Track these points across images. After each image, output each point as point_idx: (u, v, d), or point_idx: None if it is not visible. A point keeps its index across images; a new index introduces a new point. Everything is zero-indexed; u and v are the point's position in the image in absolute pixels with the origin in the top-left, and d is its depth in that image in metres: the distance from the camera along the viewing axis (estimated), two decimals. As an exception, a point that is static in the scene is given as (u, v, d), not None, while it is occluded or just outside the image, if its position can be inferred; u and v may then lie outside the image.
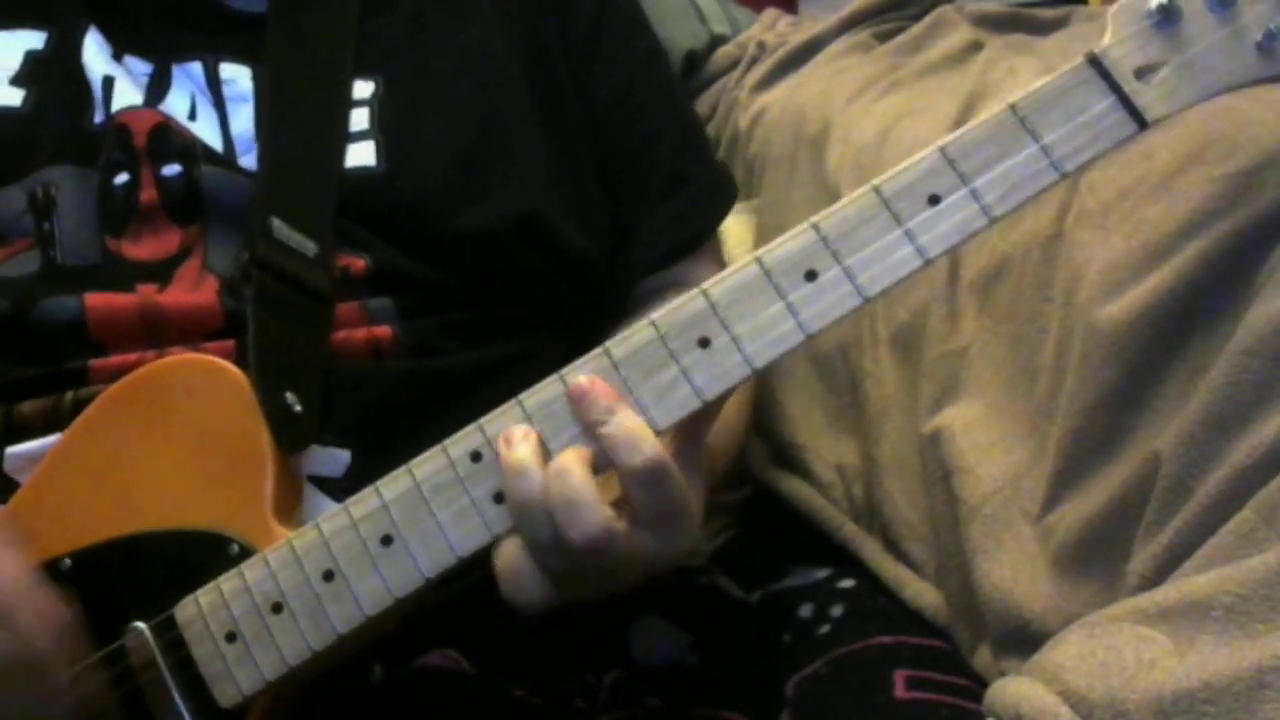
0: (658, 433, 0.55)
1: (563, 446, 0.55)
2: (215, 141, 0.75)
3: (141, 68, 0.77)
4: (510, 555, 0.56)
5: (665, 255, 0.83)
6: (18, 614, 0.59)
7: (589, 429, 0.55)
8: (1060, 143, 0.54)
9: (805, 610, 0.80)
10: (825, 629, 0.78)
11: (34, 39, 0.77)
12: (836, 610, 0.79)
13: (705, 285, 0.55)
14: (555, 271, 0.78)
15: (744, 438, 0.89)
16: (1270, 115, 0.65)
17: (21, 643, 0.59)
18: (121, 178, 0.73)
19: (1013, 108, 0.54)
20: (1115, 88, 0.54)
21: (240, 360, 0.67)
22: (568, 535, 0.53)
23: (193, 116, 0.75)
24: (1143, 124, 0.54)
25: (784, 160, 1.06)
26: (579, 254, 0.79)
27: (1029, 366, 0.74)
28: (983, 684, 0.67)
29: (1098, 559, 0.66)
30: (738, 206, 0.97)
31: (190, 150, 0.73)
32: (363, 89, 0.77)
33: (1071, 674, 0.55)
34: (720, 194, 0.88)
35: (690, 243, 0.85)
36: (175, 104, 0.75)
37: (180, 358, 0.67)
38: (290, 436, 0.64)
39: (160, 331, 0.70)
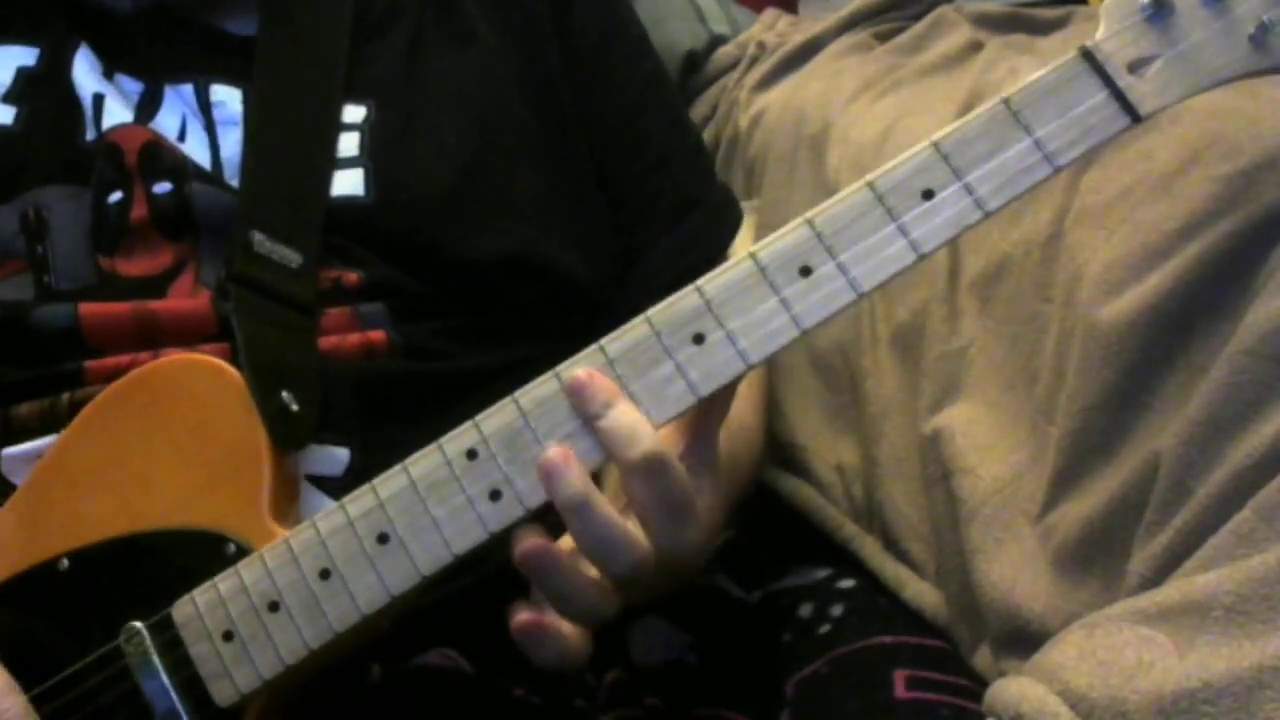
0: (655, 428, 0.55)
1: (560, 441, 0.55)
2: (204, 163, 0.74)
3: (133, 86, 0.76)
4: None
5: (678, 279, 0.83)
6: None
7: (586, 422, 0.55)
8: (1053, 136, 0.54)
9: (805, 610, 0.80)
10: (825, 629, 0.77)
11: (26, 55, 0.77)
12: (836, 610, 0.79)
13: (699, 281, 0.56)
14: (553, 300, 0.78)
15: (764, 448, 0.89)
16: (1270, 115, 0.65)
17: None
18: (115, 196, 0.73)
19: (1006, 102, 0.54)
20: (1108, 81, 0.54)
21: (235, 361, 0.66)
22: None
23: (182, 137, 0.75)
24: (1136, 118, 0.54)
25: (784, 160, 1.06)
26: (578, 284, 0.79)
27: (1029, 366, 0.74)
28: (983, 684, 0.67)
29: (1098, 559, 0.65)
30: (737, 205, 0.96)
31: (181, 168, 0.73)
32: (353, 114, 0.76)
33: (1071, 674, 0.55)
34: (728, 216, 0.88)
35: (702, 265, 0.84)
36: (165, 123, 0.75)
37: (177, 358, 0.67)
38: (288, 435, 0.64)
39: (154, 336, 0.70)
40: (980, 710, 0.60)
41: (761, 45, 1.26)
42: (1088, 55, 0.54)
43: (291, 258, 0.70)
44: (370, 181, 0.74)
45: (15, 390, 0.70)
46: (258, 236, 0.69)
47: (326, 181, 0.73)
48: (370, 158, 0.75)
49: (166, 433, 0.64)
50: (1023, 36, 1.06)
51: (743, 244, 0.99)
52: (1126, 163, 0.71)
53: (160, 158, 0.73)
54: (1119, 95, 0.54)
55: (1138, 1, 0.54)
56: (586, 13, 0.83)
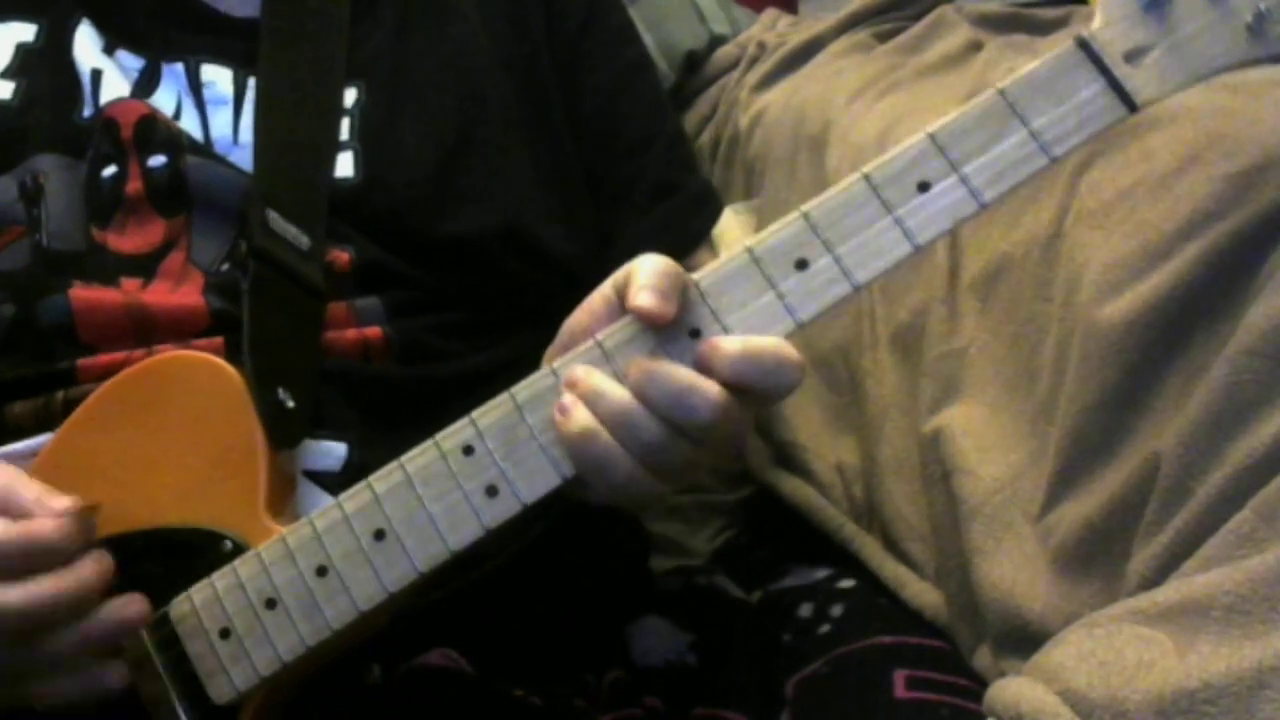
0: None
1: (552, 439, 0.55)
2: (197, 140, 0.75)
3: (133, 63, 0.77)
4: (602, 454, 0.55)
5: None
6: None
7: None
8: (1049, 127, 0.54)
9: (805, 610, 0.80)
10: (825, 629, 0.77)
11: (25, 31, 0.77)
12: (836, 610, 0.79)
13: (696, 275, 0.55)
14: (542, 277, 0.78)
15: None
16: (1270, 115, 0.64)
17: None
18: (109, 170, 0.74)
19: (1001, 92, 0.54)
20: (1105, 71, 0.54)
21: (229, 357, 0.66)
22: (694, 418, 0.53)
23: (178, 115, 0.75)
24: (1132, 107, 0.54)
25: (784, 160, 1.06)
26: (565, 260, 0.79)
27: (1029, 366, 0.74)
28: (983, 684, 0.67)
29: (1098, 559, 0.65)
30: (738, 206, 0.97)
31: (176, 141, 0.74)
32: (346, 96, 0.77)
33: (1071, 674, 0.55)
34: (706, 206, 0.88)
35: (677, 251, 0.84)
36: (162, 100, 0.76)
37: (173, 355, 0.67)
38: (283, 432, 0.64)
39: (148, 332, 0.70)
40: (980, 710, 0.60)
41: (761, 45, 1.26)
42: (1083, 45, 0.54)
43: (301, 240, 0.70)
44: (359, 162, 0.75)
45: (9, 389, 0.70)
46: (272, 215, 0.70)
47: (330, 166, 0.74)
48: (359, 139, 0.75)
49: (162, 430, 0.64)
50: (1023, 36, 1.06)
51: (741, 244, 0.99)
52: (1127, 163, 0.71)
53: (156, 131, 0.74)
54: (1115, 85, 0.53)
55: (1135, -9, 0.54)
56: None
